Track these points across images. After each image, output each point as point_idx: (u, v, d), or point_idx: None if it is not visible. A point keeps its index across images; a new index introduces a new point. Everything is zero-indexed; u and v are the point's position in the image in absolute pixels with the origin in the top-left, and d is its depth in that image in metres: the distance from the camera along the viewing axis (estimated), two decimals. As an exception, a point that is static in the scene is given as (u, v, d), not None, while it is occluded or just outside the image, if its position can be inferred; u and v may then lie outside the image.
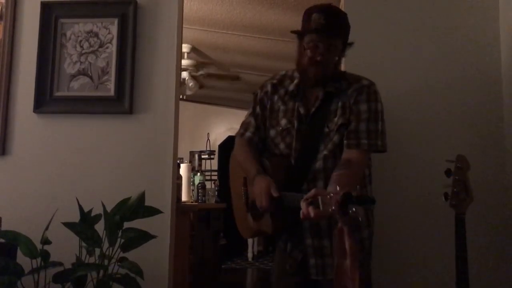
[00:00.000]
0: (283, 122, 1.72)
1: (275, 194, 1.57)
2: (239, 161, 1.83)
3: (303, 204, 1.35)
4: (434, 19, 2.22)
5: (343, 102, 1.65)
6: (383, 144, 1.66)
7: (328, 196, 1.25)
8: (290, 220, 1.61)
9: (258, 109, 1.80)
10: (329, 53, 1.61)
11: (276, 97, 1.76)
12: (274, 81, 1.79)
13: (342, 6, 2.38)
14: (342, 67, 2.26)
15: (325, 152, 1.63)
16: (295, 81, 1.74)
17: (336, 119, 1.65)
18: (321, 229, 1.64)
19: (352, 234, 1.32)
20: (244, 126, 1.83)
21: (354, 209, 1.18)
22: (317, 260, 1.65)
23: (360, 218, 1.21)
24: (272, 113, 1.76)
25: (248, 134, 1.81)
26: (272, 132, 1.75)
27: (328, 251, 1.63)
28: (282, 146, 1.71)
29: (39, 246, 1.84)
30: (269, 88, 1.79)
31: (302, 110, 1.69)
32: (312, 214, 1.32)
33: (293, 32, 1.66)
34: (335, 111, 1.66)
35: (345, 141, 1.63)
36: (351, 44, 1.67)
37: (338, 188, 1.24)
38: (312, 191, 1.34)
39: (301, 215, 1.36)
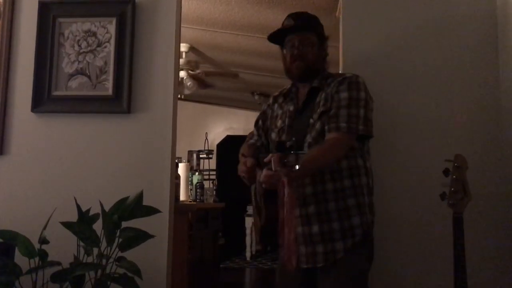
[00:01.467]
0: (279, 123, 1.86)
1: (248, 164, 1.69)
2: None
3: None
4: (433, 19, 2.22)
5: (326, 94, 1.75)
6: (366, 129, 1.69)
7: (275, 155, 1.39)
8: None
9: (260, 121, 1.99)
10: (305, 46, 1.77)
11: (276, 106, 1.94)
12: (276, 94, 1.98)
13: (340, 5, 2.38)
14: (341, 68, 2.26)
15: (309, 140, 1.71)
16: (288, 86, 1.91)
17: (319, 109, 1.73)
18: (311, 216, 1.68)
19: (290, 184, 1.48)
20: (250, 135, 2.03)
21: (290, 159, 1.35)
22: (307, 248, 1.68)
23: (297, 166, 1.35)
24: (272, 119, 1.92)
25: (251, 141, 1.99)
26: (273, 135, 1.88)
27: (318, 238, 1.67)
28: None
29: (37, 245, 1.83)
30: (271, 100, 1.99)
31: (291, 108, 1.84)
32: (264, 173, 1.51)
33: (269, 37, 1.83)
34: (318, 103, 1.75)
35: (326, 127, 1.69)
36: (327, 38, 1.83)
37: None
38: (268, 156, 1.49)
39: (262, 181, 1.54)
